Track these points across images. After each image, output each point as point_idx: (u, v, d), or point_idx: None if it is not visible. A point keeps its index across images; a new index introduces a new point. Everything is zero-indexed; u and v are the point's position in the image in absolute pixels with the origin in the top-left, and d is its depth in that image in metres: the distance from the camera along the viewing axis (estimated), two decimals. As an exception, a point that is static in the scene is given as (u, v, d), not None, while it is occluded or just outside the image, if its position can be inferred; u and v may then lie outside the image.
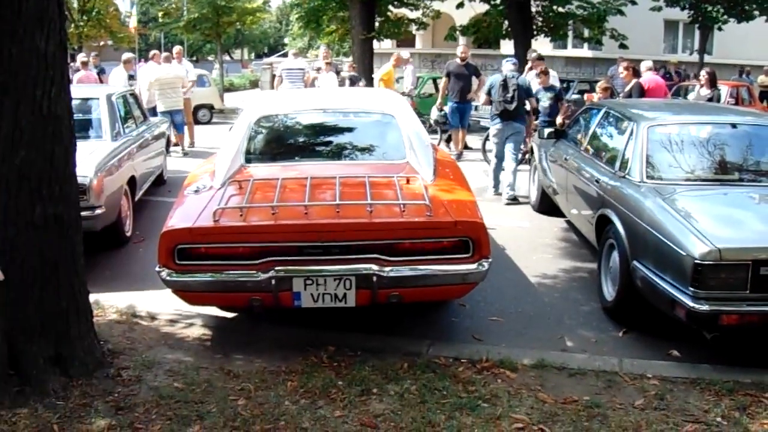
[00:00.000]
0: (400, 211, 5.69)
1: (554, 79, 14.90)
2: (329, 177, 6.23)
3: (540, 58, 15.87)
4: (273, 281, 5.44)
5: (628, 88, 12.56)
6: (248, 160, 6.88)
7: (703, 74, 13.44)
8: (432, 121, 16.87)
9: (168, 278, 5.57)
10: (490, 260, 5.74)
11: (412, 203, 5.77)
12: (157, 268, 5.62)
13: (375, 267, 5.48)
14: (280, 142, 7.55)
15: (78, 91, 7.57)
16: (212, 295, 5.81)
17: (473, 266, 5.63)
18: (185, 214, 5.90)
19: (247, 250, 5.58)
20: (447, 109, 16.06)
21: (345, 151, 7.27)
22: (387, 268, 5.51)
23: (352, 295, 5.54)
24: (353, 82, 17.13)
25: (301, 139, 7.64)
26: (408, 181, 6.26)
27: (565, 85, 15.35)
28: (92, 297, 5.50)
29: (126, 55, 17.45)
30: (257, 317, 6.42)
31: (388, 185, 6.19)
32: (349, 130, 7.57)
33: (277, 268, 5.46)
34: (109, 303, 6.53)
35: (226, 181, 6.41)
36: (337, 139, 7.49)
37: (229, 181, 6.39)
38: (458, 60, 15.80)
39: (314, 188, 6.02)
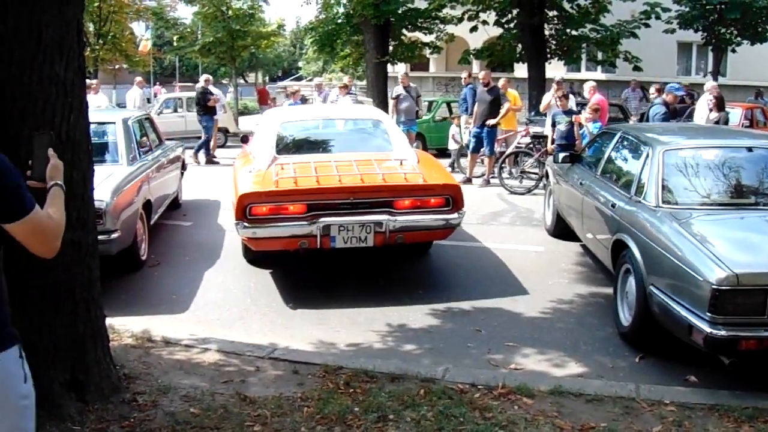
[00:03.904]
0: (404, 178, 8.12)
1: (572, 103, 14.92)
2: (346, 160, 8.48)
3: (563, 81, 15.91)
4: (318, 229, 7.65)
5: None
6: (279, 152, 8.87)
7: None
8: (465, 144, 16.74)
9: (242, 229, 7.71)
10: (464, 211, 8.22)
11: (409, 173, 8.26)
12: (234, 222, 7.76)
13: (387, 217, 7.80)
14: (301, 140, 9.67)
15: (95, 115, 7.61)
16: (272, 241, 7.87)
17: (453, 215, 8.06)
18: (251, 183, 8.08)
19: (298, 208, 7.74)
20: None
21: (351, 144, 9.46)
22: (394, 218, 7.82)
23: (371, 238, 7.80)
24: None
25: (316, 137, 9.92)
26: (401, 163, 8.58)
27: (579, 109, 15.32)
28: (107, 321, 5.49)
29: (89, 82, 19.06)
30: (274, 339, 6.42)
31: (389, 164, 8.53)
32: (351, 130, 10.29)
33: (320, 220, 7.66)
34: (124, 327, 6.54)
35: (269, 164, 8.46)
36: (344, 137, 10.05)
37: (273, 164, 8.46)
38: (481, 85, 15.78)
39: (338, 166, 8.24)
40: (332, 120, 10.52)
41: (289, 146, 9.26)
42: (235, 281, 8.56)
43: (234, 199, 7.97)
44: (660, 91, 13.00)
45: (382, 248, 8.25)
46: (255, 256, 9.03)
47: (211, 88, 20.00)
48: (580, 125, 13.02)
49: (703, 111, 13.79)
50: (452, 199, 8.03)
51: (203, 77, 20.40)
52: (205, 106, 19.31)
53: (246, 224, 7.65)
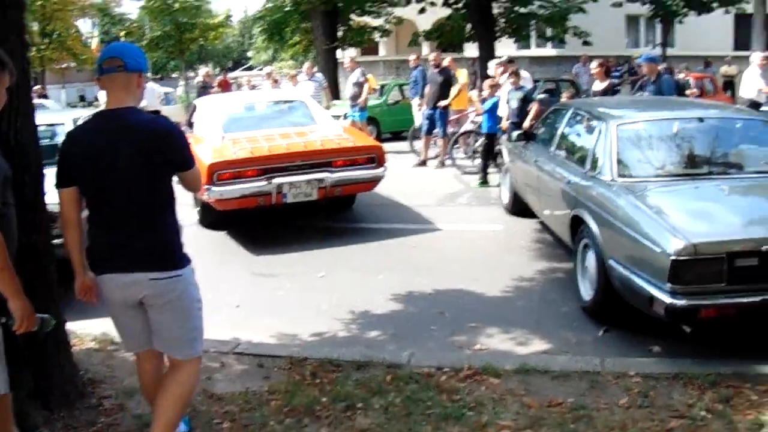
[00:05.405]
0: (337, 142, 10.03)
1: (526, 81, 14.93)
2: (286, 132, 10.29)
3: (510, 61, 15.94)
4: (273, 188, 9.34)
5: (602, 87, 12.48)
6: (225, 131, 10.35)
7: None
8: (417, 127, 16.66)
9: (211, 192, 9.11)
10: (386, 167, 10.19)
11: (341, 138, 10.24)
12: (204, 187, 8.81)
13: (327, 174, 9.59)
14: (241, 119, 11.17)
15: (43, 117, 7.50)
16: (234, 201, 9.38)
17: (379, 170, 10.07)
18: (213, 155, 9.48)
19: (255, 171, 9.37)
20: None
21: (282, 121, 11.14)
22: (332, 175, 9.64)
23: (315, 192, 9.64)
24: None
25: (252, 116, 11.57)
26: (330, 130, 10.53)
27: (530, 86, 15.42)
28: (68, 325, 5.41)
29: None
30: (237, 333, 6.37)
31: (322, 134, 10.36)
32: (280, 110, 11.94)
33: (274, 180, 9.34)
34: (86, 331, 6.43)
35: (221, 140, 9.99)
36: (275, 115, 11.62)
37: (224, 140, 9.99)
38: (432, 67, 15.78)
39: (281, 137, 10.07)
40: (263, 102, 12.63)
41: (232, 125, 10.66)
42: (195, 277, 8.49)
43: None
44: (602, 65, 12.98)
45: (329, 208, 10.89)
46: (212, 220, 10.50)
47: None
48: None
49: (753, 81, 14.12)
50: (376, 157, 10.06)
51: (203, 71, 20.77)
52: None
53: (214, 188, 9.10)
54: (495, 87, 13.38)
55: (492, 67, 15.97)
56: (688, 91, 16.81)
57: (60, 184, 3.99)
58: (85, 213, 4.13)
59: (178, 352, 4.16)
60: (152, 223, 3.93)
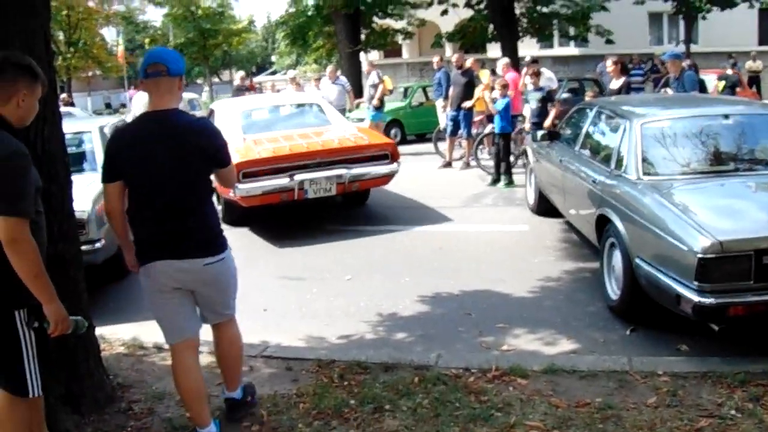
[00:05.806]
0: (353, 141, 10.57)
1: (550, 81, 14.89)
2: (304, 132, 10.93)
3: (534, 61, 15.95)
4: (294, 185, 9.93)
5: (618, 85, 12.44)
6: (245, 132, 11.06)
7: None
8: (442, 129, 16.67)
9: (237, 189, 9.54)
10: (400, 162, 10.89)
11: (356, 137, 10.79)
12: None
13: (344, 171, 10.19)
14: (259, 122, 11.90)
15: (70, 125, 7.56)
16: (260, 197, 9.95)
17: (393, 165, 10.68)
18: (239, 155, 9.84)
19: (278, 169, 9.94)
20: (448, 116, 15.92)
21: (298, 122, 11.79)
22: (350, 171, 10.23)
23: (334, 188, 10.23)
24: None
25: (270, 118, 12.25)
26: (345, 130, 11.11)
27: (555, 86, 15.39)
28: (98, 331, 5.47)
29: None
30: (266, 337, 6.40)
31: (337, 133, 10.92)
32: (296, 112, 12.63)
33: (296, 177, 9.93)
34: (115, 336, 6.50)
35: (243, 141, 10.59)
36: (291, 117, 12.37)
37: (246, 141, 10.63)
38: (455, 68, 15.79)
39: (299, 137, 10.69)
40: (278, 105, 13.26)
41: (251, 127, 11.43)
42: (222, 282, 8.52)
43: None
44: (617, 63, 12.91)
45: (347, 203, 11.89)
46: (234, 218, 10.85)
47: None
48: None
49: None
50: (390, 153, 10.70)
51: (239, 74, 21.07)
52: None
53: (240, 186, 9.61)
54: (506, 87, 13.32)
55: (500, 66, 15.99)
56: (738, 89, 16.82)
57: (107, 179, 4.34)
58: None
59: (226, 315, 4.79)
60: (197, 214, 4.34)
